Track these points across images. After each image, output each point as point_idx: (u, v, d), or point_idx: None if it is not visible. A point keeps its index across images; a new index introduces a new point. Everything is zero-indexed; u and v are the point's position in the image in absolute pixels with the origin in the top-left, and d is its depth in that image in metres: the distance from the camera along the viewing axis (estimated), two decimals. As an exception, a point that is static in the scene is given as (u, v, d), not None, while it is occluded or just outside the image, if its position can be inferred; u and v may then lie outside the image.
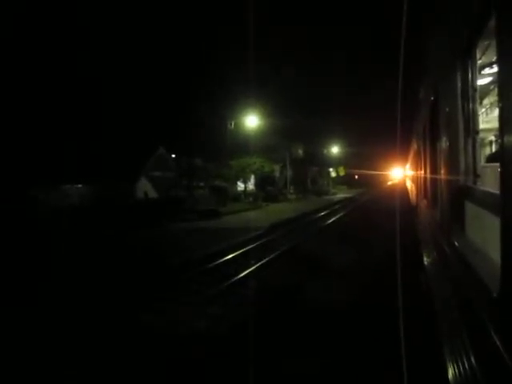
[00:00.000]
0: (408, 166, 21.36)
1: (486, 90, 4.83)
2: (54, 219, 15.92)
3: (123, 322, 7.03)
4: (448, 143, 3.06)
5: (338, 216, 25.34)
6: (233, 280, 9.74)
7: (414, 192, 12.14)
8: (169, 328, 6.83)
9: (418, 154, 8.84)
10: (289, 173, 48.07)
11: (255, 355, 4.92)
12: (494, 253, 1.80)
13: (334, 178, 62.57)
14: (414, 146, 10.97)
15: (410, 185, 19.32)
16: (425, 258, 6.32)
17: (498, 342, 1.48)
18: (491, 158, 3.23)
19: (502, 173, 1.50)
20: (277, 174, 44.50)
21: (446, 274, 3.24)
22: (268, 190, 39.49)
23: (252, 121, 34.28)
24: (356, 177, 79.25)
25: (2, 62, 21.51)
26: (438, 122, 3.81)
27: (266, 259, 11.82)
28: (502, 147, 1.52)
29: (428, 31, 4.85)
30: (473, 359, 2.02)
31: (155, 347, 5.92)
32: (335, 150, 61.92)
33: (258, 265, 11.15)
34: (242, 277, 10.03)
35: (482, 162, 3.18)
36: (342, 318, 6.72)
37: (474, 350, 2.03)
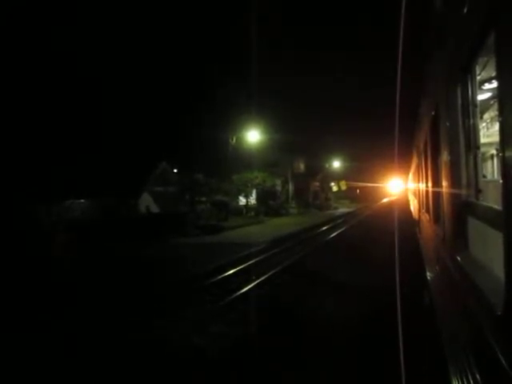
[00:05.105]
0: (410, 179, 21.35)
1: (486, 105, 4.85)
2: (53, 235, 15.90)
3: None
4: (449, 158, 3.06)
5: (340, 230, 25.24)
6: (237, 294, 9.77)
7: (416, 206, 12.11)
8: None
9: (419, 168, 8.85)
10: (291, 187, 48.11)
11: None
12: (498, 269, 1.78)
13: (335, 193, 62.52)
14: (416, 160, 10.98)
15: (411, 199, 19.29)
16: (428, 273, 6.27)
17: (502, 359, 1.46)
18: None
19: (504, 188, 1.49)
20: (278, 188, 44.47)
21: (450, 291, 3.20)
22: (270, 204, 39.41)
23: (254, 136, 34.42)
24: (358, 191, 79.13)
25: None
26: (438, 137, 3.82)
27: (268, 274, 11.79)
28: (503, 162, 1.51)
29: (428, 47, 4.89)
30: (477, 376, 1.99)
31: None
32: (337, 164, 62.01)
33: (260, 280, 11.14)
34: (245, 291, 10.07)
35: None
36: (342, 327, 6.67)
37: (478, 367, 2.00)
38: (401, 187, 53.18)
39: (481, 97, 4.33)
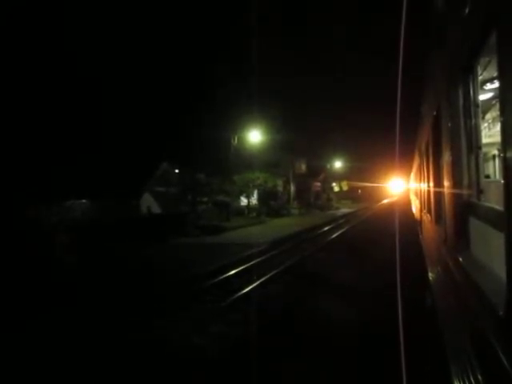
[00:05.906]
0: (411, 179, 21.34)
1: (488, 105, 4.83)
2: (53, 236, 15.90)
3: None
4: (451, 158, 3.05)
5: (341, 231, 25.19)
6: (237, 294, 9.79)
7: (418, 206, 12.09)
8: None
9: (420, 169, 8.83)
10: (292, 188, 48.07)
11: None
12: (500, 270, 1.77)
13: (337, 193, 62.51)
14: (417, 161, 10.97)
15: (413, 199, 19.27)
16: (430, 274, 6.26)
17: (503, 360, 1.45)
18: None
19: (505, 188, 1.48)
20: (280, 188, 44.43)
21: (451, 291, 3.20)
22: (271, 204, 39.38)
23: (255, 136, 34.41)
24: (359, 191, 79.13)
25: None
26: (440, 137, 3.81)
27: (269, 275, 11.78)
28: (504, 162, 1.50)
29: (429, 47, 4.88)
30: (479, 376, 1.98)
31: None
32: (338, 164, 62.00)
33: (260, 280, 11.13)
34: (246, 291, 10.07)
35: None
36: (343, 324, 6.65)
37: (479, 367, 2.00)
38: (402, 187, 53.21)
39: (482, 97, 4.31)
